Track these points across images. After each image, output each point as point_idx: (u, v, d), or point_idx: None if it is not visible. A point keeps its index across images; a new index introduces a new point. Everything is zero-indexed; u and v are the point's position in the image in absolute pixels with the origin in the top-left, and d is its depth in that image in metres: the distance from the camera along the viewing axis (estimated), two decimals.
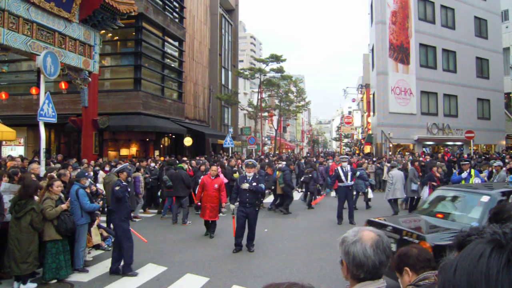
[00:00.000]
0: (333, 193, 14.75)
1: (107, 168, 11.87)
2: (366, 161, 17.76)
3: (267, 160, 17.93)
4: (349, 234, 1.62)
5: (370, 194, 13.31)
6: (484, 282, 0.66)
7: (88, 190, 7.21)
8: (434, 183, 11.13)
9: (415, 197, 11.78)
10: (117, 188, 6.48)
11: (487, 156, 20.04)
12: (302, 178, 13.93)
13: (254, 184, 7.63)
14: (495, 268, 0.67)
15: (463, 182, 9.34)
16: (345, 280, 1.62)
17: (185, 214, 10.55)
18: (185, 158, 14.66)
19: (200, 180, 9.75)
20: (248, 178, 7.74)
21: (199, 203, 9.11)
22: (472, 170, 9.50)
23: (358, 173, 11.32)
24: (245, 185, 7.59)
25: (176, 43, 22.82)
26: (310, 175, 13.08)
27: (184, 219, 10.46)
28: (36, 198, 5.89)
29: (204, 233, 9.15)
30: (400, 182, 11.51)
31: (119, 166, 7.33)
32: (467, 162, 9.88)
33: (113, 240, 8.24)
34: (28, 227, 5.58)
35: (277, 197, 12.61)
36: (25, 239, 5.57)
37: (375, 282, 1.56)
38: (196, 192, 9.56)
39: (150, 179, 12.35)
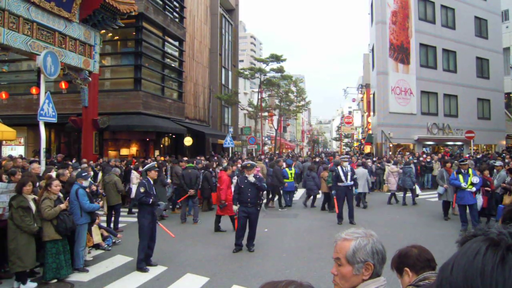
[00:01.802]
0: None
1: (140, 169, 12.12)
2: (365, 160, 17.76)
3: (266, 160, 17.95)
4: (358, 236, 1.61)
5: (418, 191, 13.71)
6: (479, 278, 0.68)
7: (88, 190, 7.23)
8: (488, 189, 9.67)
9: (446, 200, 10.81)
10: (142, 190, 6.68)
11: (487, 155, 20.04)
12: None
13: (256, 184, 7.75)
14: (490, 265, 0.68)
15: (461, 181, 9.27)
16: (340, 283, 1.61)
17: (194, 212, 10.69)
18: (185, 158, 14.66)
19: (218, 179, 10.36)
20: (248, 178, 7.79)
21: (225, 203, 9.31)
22: (470, 170, 9.42)
23: (355, 176, 11.17)
24: (252, 178, 7.68)
25: (176, 43, 22.81)
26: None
27: (194, 217, 10.62)
28: (30, 197, 5.85)
29: (214, 230, 9.35)
30: (363, 178, 12.94)
31: (147, 165, 7.46)
32: (467, 162, 9.85)
33: (113, 240, 8.27)
34: (10, 223, 5.53)
35: (324, 195, 12.77)
36: (9, 236, 5.53)
37: (376, 280, 1.56)
38: (221, 192, 9.69)
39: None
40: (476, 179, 9.18)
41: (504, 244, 0.71)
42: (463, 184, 9.22)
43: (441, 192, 10.90)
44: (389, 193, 14.04)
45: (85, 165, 11.47)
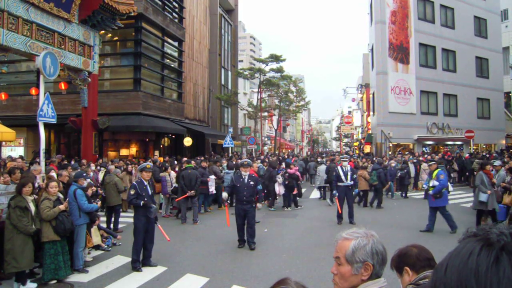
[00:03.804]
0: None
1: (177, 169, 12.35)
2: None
3: (266, 160, 17.95)
4: (358, 235, 1.60)
5: (450, 188, 14.05)
6: (473, 279, 0.68)
7: (90, 192, 7.22)
8: None
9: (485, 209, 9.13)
10: (132, 192, 6.78)
11: (487, 155, 20.06)
12: (399, 174, 15.65)
13: (252, 183, 7.97)
14: (484, 265, 0.68)
15: (429, 182, 9.17)
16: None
17: (194, 213, 10.71)
18: (185, 159, 14.67)
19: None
20: (244, 177, 7.98)
21: None
22: (436, 170, 9.18)
23: (354, 176, 11.22)
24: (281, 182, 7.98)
25: (176, 43, 22.80)
26: (405, 171, 15.51)
27: (194, 217, 10.63)
28: (29, 198, 5.85)
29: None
30: (323, 172, 14.95)
31: (140, 165, 7.57)
32: (434, 162, 9.74)
33: (113, 240, 8.26)
34: (7, 222, 5.53)
35: (361, 193, 13.27)
36: (5, 236, 5.53)
37: (376, 281, 1.56)
38: None
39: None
40: (434, 182, 8.93)
41: (498, 244, 0.70)
42: (424, 186, 9.17)
43: (484, 200, 8.96)
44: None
45: (113, 166, 11.10)
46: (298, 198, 13.42)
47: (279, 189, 12.50)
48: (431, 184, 9.00)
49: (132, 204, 6.81)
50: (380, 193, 13.17)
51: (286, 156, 27.34)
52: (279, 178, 12.45)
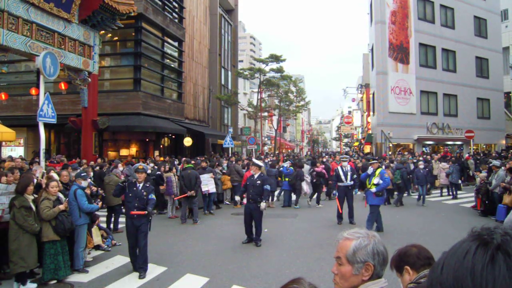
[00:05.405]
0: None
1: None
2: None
3: (266, 160, 17.94)
4: (360, 236, 1.60)
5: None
6: (469, 278, 0.68)
7: (88, 191, 7.22)
8: None
9: None
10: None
11: (486, 155, 20.06)
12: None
13: (259, 182, 8.11)
14: (479, 264, 0.69)
15: (368, 180, 9.28)
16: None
17: (194, 213, 10.68)
18: (184, 159, 14.66)
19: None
20: (254, 176, 8.21)
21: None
22: (379, 169, 9.28)
23: (354, 175, 11.22)
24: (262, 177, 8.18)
25: (176, 43, 22.81)
26: (427, 169, 15.48)
27: (194, 217, 10.59)
28: (30, 197, 5.85)
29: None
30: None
31: (134, 165, 7.64)
32: (375, 161, 9.82)
33: (112, 240, 8.25)
34: (12, 223, 5.52)
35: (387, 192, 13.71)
36: (10, 236, 5.52)
37: (377, 281, 1.56)
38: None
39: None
40: (377, 180, 9.02)
41: (494, 243, 0.71)
42: (369, 170, 9.33)
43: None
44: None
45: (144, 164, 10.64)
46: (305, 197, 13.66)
47: (307, 188, 13.00)
48: (375, 182, 9.08)
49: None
50: (402, 191, 13.73)
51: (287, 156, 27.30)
52: (307, 177, 12.96)
